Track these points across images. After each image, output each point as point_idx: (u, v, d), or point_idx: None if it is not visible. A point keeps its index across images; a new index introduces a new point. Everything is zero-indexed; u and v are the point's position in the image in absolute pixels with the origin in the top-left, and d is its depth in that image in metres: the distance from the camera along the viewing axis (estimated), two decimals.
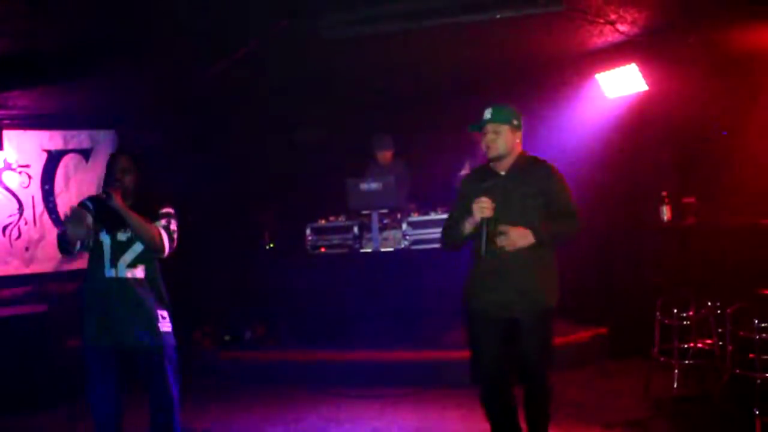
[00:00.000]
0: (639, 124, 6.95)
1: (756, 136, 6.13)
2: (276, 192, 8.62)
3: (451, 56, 6.84)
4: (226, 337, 7.44)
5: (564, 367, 5.94)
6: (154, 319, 4.13)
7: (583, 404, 5.43)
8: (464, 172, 6.65)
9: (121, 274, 4.11)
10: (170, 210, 4.26)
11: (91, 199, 4.28)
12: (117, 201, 4.01)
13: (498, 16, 5.50)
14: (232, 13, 5.29)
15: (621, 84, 6.90)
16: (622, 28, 6.18)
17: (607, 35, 6.40)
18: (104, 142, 8.16)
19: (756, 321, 4.90)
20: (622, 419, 5.02)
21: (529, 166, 4.03)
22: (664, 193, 6.34)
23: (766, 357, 4.94)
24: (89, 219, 4.11)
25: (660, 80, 6.63)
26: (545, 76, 7.39)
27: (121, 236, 4.13)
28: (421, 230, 6.88)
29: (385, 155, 7.51)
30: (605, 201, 7.01)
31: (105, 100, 7.57)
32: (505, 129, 3.97)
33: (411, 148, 8.00)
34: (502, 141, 3.98)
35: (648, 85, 6.70)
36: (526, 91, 7.14)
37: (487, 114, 4.00)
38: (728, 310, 5.19)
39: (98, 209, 4.17)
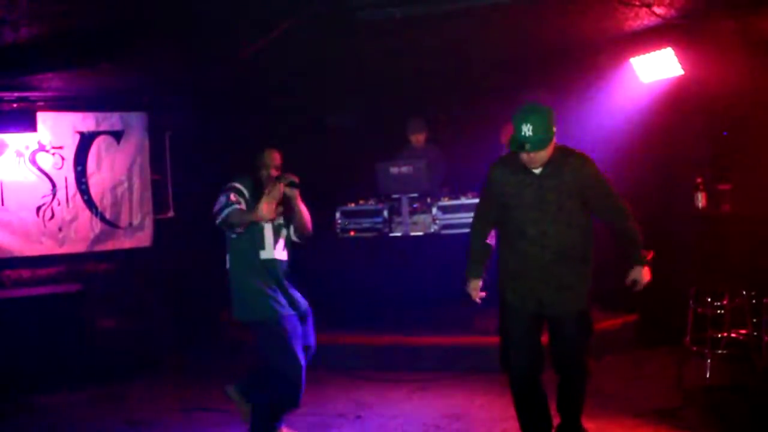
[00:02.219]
0: (674, 109, 6.82)
1: None
2: (306, 174, 8.60)
3: (485, 40, 6.76)
4: None
5: (594, 355, 5.88)
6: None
7: (614, 393, 5.38)
8: None
9: (278, 256, 4.52)
10: None
11: (244, 183, 4.49)
12: (297, 194, 4.48)
13: None
14: None
15: (656, 68, 6.76)
16: (658, 10, 6.04)
17: (642, 18, 6.27)
18: (135, 124, 8.20)
19: None
20: (653, 408, 4.96)
21: (562, 160, 3.80)
22: (698, 180, 6.24)
23: None
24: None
25: (696, 64, 6.49)
26: (579, 59, 7.27)
27: (276, 221, 4.49)
28: (451, 215, 6.83)
29: (417, 138, 7.51)
30: (639, 186, 6.88)
31: (137, 82, 7.60)
32: (547, 146, 3.73)
33: (445, 133, 7.94)
34: (544, 154, 3.75)
35: (684, 69, 6.55)
36: (560, 76, 7.05)
37: (527, 131, 3.63)
38: (765, 300, 5.10)
39: (252, 194, 4.41)
